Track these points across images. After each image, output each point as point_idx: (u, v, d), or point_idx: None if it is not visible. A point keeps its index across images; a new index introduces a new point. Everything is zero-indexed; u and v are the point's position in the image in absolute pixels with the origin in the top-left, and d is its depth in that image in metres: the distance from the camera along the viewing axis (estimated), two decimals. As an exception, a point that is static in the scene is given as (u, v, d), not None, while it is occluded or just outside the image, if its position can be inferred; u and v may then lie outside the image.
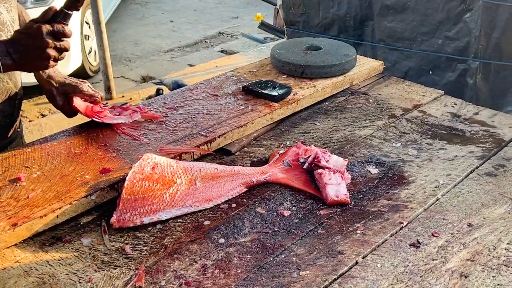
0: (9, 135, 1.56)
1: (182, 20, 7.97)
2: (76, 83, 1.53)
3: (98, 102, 1.55)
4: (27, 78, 1.59)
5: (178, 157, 1.40)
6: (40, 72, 1.51)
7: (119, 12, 7.91)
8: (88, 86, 1.55)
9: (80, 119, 1.55)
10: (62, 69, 4.54)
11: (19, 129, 1.65)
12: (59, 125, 4.14)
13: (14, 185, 1.27)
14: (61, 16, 1.34)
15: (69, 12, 1.35)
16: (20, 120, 1.66)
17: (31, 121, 4.34)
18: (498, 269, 1.07)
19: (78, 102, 1.51)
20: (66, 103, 1.52)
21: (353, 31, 3.42)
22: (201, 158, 1.47)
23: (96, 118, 1.53)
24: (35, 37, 1.31)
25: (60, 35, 1.33)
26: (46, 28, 1.31)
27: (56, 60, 1.34)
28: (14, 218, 1.15)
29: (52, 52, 1.32)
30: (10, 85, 1.50)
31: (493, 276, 1.06)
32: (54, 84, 1.51)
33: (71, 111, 1.53)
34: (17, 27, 1.50)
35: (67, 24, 1.35)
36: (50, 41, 1.31)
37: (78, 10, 1.36)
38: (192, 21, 7.92)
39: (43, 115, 4.63)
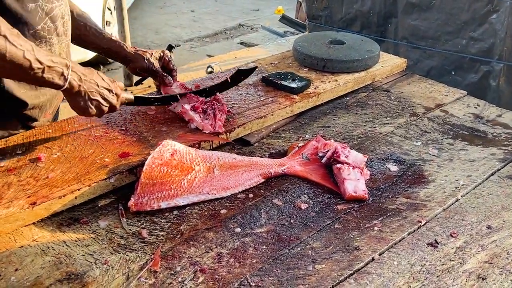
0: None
1: (203, 10, 7.97)
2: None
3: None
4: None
5: (197, 145, 1.40)
6: (126, 48, 1.64)
7: (140, 0, 7.93)
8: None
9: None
10: (83, 55, 4.52)
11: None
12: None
13: (34, 164, 1.28)
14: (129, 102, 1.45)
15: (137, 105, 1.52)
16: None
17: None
18: (517, 273, 1.06)
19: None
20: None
21: (376, 27, 3.38)
22: (219, 148, 1.47)
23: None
24: (108, 98, 1.33)
25: (113, 109, 1.37)
26: (119, 100, 1.37)
27: (93, 115, 1.35)
28: (33, 197, 1.16)
29: (96, 111, 1.33)
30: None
31: (511, 280, 1.04)
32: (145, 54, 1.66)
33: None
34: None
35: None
36: (105, 108, 1.33)
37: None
38: (213, 11, 7.92)
39: (62, 99, 4.66)
